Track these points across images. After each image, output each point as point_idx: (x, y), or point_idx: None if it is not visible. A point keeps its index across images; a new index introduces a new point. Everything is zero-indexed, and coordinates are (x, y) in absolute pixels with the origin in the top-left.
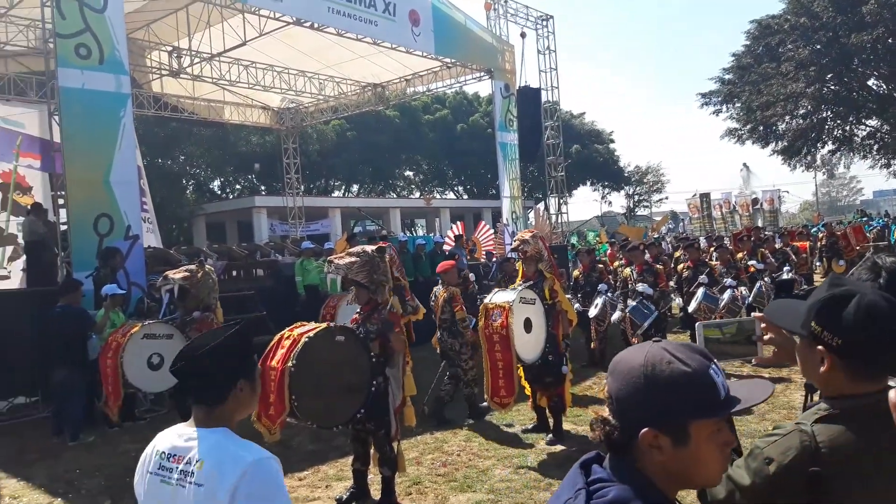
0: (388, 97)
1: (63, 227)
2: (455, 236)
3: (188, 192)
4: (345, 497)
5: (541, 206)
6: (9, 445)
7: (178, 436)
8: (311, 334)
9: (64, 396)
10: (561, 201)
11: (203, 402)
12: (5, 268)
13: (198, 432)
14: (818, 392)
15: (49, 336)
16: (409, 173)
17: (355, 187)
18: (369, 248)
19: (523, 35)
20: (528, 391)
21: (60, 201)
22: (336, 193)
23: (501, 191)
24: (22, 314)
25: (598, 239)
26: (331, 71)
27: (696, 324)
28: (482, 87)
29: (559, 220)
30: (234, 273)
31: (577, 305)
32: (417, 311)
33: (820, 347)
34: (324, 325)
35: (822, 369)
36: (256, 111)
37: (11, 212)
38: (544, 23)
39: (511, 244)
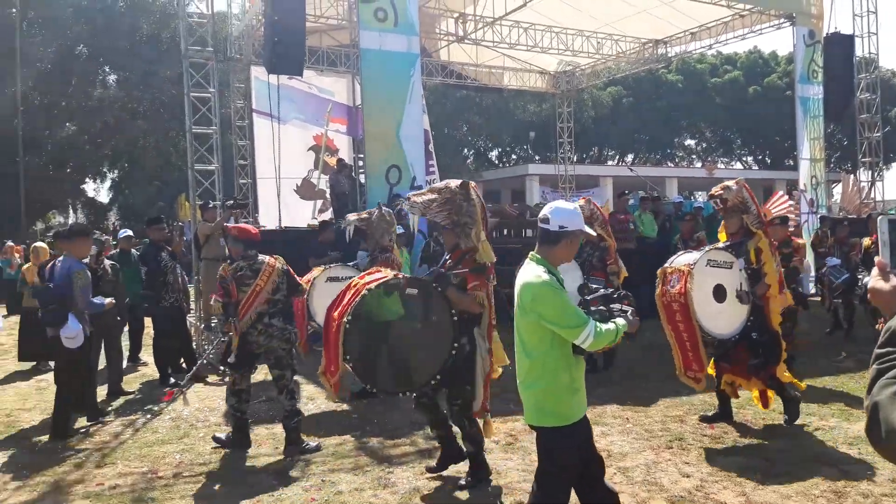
0: (670, 55)
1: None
2: None
3: (469, 160)
4: (434, 465)
5: (852, 176)
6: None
7: None
8: (372, 286)
9: None
10: (875, 172)
11: None
12: (315, 218)
13: None
14: None
15: None
16: (689, 142)
17: (630, 157)
18: (453, 182)
19: None
20: (710, 370)
21: (360, 163)
22: (609, 163)
23: (799, 152)
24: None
25: None
26: (609, 29)
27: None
28: (780, 42)
29: (871, 196)
30: (505, 232)
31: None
32: (619, 273)
33: None
34: (391, 274)
35: None
36: (534, 76)
37: (322, 170)
38: None
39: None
